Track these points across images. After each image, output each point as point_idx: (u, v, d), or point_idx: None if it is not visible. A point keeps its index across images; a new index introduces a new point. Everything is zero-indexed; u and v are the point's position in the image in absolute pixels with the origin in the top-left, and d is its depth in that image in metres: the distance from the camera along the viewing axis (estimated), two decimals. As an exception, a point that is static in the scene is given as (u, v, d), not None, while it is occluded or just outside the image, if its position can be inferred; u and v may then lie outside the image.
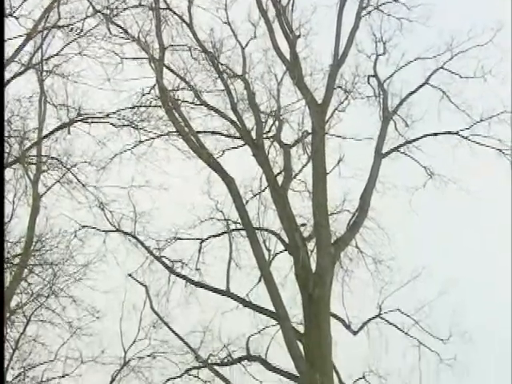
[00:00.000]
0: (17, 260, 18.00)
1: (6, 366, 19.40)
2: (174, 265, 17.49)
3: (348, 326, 17.03)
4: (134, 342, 19.30)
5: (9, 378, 19.89)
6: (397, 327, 17.47)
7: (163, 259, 17.57)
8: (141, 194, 18.10)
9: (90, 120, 17.85)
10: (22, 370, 20.25)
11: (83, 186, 18.26)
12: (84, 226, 18.13)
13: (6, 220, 17.31)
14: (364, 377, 16.96)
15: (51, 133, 17.96)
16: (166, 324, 17.11)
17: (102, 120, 17.90)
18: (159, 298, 17.36)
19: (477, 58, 18.34)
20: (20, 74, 16.97)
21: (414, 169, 18.52)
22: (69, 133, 17.74)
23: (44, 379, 20.49)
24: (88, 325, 19.17)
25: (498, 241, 20.71)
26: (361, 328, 17.12)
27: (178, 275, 17.38)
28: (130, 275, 17.69)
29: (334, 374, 16.22)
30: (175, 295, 17.33)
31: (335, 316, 16.83)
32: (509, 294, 19.02)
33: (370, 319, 17.25)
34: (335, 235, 17.34)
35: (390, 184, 18.00)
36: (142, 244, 17.70)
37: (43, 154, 18.10)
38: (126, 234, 17.83)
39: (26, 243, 17.80)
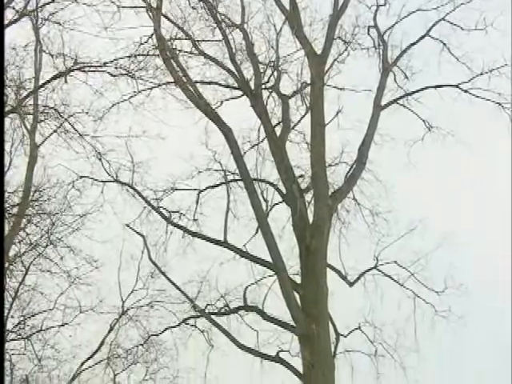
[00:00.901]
0: (15, 210, 18.03)
1: (5, 314, 19.60)
2: (172, 215, 17.50)
3: (344, 277, 17.14)
4: (132, 291, 19.49)
5: (9, 326, 20.10)
6: (393, 279, 17.57)
7: (161, 210, 17.57)
8: (138, 144, 18.05)
9: (86, 69, 17.66)
10: (22, 318, 20.48)
11: (80, 135, 18.16)
12: (82, 177, 18.10)
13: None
14: (360, 327, 17.12)
15: (48, 82, 17.78)
16: (164, 274, 17.19)
17: (99, 69, 17.71)
18: (157, 248, 17.41)
19: (479, 9, 18.10)
20: (15, 21, 16.75)
21: (412, 121, 18.45)
22: (66, 82, 17.55)
23: (43, 328, 20.74)
24: (86, 274, 19.32)
25: (496, 194, 20.75)
26: (357, 279, 17.23)
27: (176, 226, 17.40)
28: (127, 225, 17.71)
29: (330, 325, 16.35)
30: (173, 246, 17.41)
31: (332, 267, 16.91)
32: (506, 247, 19.12)
33: (367, 271, 17.35)
34: (333, 187, 17.33)
35: (388, 136, 17.95)
36: (140, 194, 17.68)
37: (40, 103, 17.98)
38: (123, 184, 17.81)
39: (24, 193, 17.78)
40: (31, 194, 18.13)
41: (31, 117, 17.88)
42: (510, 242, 19.07)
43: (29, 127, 17.72)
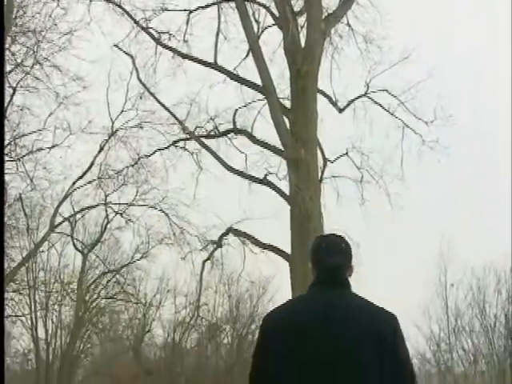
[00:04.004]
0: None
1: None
2: (162, 36, 17.09)
3: (334, 103, 17.07)
4: (122, 112, 19.46)
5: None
6: (382, 107, 17.50)
7: (150, 30, 17.13)
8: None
9: None
10: (12, 139, 20.52)
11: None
12: None
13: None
14: (347, 153, 17.26)
15: None
16: (153, 95, 17.06)
17: None
18: (146, 69, 17.16)
19: None
20: None
21: None
22: None
23: (34, 149, 20.85)
24: (75, 95, 19.18)
25: (491, 26, 20.36)
26: (347, 106, 17.17)
27: (165, 47, 17.03)
28: (115, 46, 17.35)
29: (318, 150, 16.48)
30: (162, 67, 17.13)
31: (322, 92, 16.79)
32: (499, 83, 19.02)
33: (357, 98, 17.25)
34: (327, 11, 16.84)
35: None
36: (128, 14, 17.16)
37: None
38: (110, 2, 17.23)
39: (7, 9, 17.19)
40: (14, 10, 17.57)
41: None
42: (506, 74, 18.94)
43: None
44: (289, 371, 5.29)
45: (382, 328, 5.35)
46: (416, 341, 27.36)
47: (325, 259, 5.37)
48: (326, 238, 5.53)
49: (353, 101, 17.16)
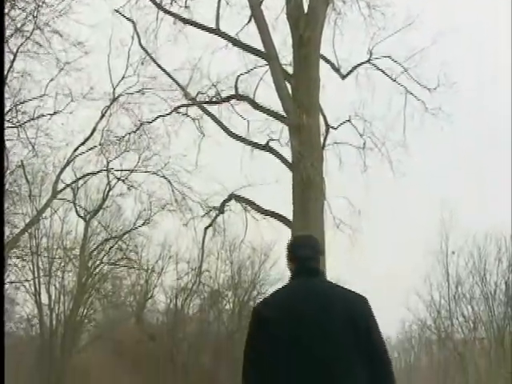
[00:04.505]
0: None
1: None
2: (163, 1, 16.91)
3: (337, 70, 16.93)
4: (123, 78, 19.39)
5: (0, 113, 20.13)
6: (385, 74, 17.35)
7: (151, -5, 16.95)
8: None
9: None
10: (14, 105, 20.46)
11: None
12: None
13: None
14: (350, 120, 17.19)
15: None
16: (155, 60, 16.95)
17: None
18: (147, 35, 17.02)
19: None
20: None
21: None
22: None
23: (36, 116, 20.81)
24: (76, 60, 19.08)
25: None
26: (350, 72, 17.02)
27: (167, 12, 16.86)
28: (116, 11, 17.20)
29: (321, 116, 16.40)
30: (164, 32, 16.99)
31: (325, 58, 16.66)
32: (503, 50, 18.85)
33: (360, 64, 17.09)
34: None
35: None
36: (129, -22, 16.96)
37: None
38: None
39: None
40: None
41: None
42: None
43: None
44: (281, 351, 6.08)
45: (355, 312, 6.12)
46: (416, 307, 27.58)
47: (298, 253, 6.36)
48: (297, 237, 6.66)
49: (356, 67, 17.03)
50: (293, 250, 6.39)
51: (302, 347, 6.04)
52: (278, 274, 31.90)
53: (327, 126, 16.88)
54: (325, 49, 16.53)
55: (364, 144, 17.18)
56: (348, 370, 6.02)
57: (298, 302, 6.14)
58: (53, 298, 28.36)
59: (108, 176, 23.95)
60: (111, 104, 19.47)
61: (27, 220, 23.84)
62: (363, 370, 6.03)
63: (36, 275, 27.17)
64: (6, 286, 24.17)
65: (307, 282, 6.22)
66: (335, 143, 17.05)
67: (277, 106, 15.90)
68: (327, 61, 16.80)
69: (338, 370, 6.02)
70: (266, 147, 16.10)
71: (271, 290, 37.64)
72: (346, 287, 6.29)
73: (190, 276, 32.03)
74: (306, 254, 6.32)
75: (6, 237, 21.83)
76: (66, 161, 22.02)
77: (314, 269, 6.30)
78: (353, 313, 6.09)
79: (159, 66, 16.79)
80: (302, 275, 6.28)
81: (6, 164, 21.16)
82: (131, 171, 22.16)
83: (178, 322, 33.63)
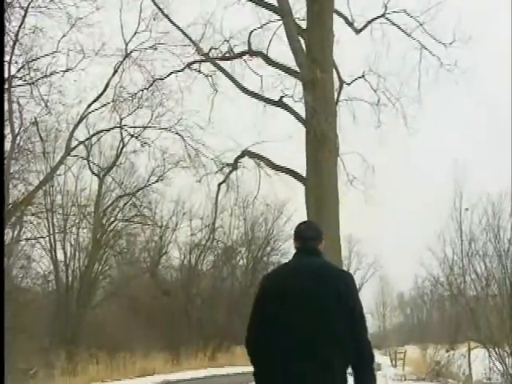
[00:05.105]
0: None
1: (8, 59, 19.46)
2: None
3: (351, 24, 16.73)
4: (135, 33, 19.22)
5: (13, 71, 20.07)
6: (400, 28, 17.10)
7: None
8: None
9: None
10: (26, 62, 20.37)
11: None
12: None
13: None
14: (363, 76, 17.02)
15: None
16: (167, 16, 16.76)
17: None
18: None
19: None
20: None
21: None
22: None
23: (48, 73, 20.72)
24: (88, 16, 18.95)
25: None
26: (364, 27, 16.77)
27: (179, -34, 16.68)
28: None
29: (334, 72, 16.24)
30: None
31: (339, 13, 16.44)
32: None
33: (374, 18, 16.84)
34: None
35: None
36: None
37: None
38: None
39: None
40: None
41: None
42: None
43: None
44: (270, 320, 6.84)
45: (340, 287, 6.83)
46: (430, 264, 27.61)
47: (301, 234, 7.18)
48: (303, 222, 7.37)
49: (370, 22, 16.78)
50: (298, 230, 7.21)
51: (287, 318, 6.79)
52: (291, 230, 31.97)
53: (341, 81, 16.73)
54: (339, 3, 16.35)
55: (378, 100, 17.04)
56: (328, 341, 6.70)
57: (290, 277, 6.93)
58: (68, 254, 28.64)
59: (121, 133, 23.97)
60: (123, 60, 19.35)
61: (41, 177, 23.97)
62: (345, 343, 6.71)
63: (51, 232, 27.40)
64: (22, 242, 24.43)
65: (303, 259, 7.02)
66: (349, 99, 16.93)
67: (290, 61, 15.73)
68: (341, 15, 16.57)
69: (319, 341, 6.70)
70: (279, 103, 15.98)
71: (284, 246, 37.90)
72: (335, 265, 7.11)
73: (203, 232, 32.24)
74: (308, 234, 7.17)
75: (21, 194, 22.00)
76: (79, 118, 22.01)
77: (313, 248, 7.10)
78: (337, 287, 6.82)
79: (171, 22, 16.60)
80: (303, 253, 7.09)
81: (19, 121, 21.19)
82: (144, 128, 22.15)
83: (192, 277, 33.92)
